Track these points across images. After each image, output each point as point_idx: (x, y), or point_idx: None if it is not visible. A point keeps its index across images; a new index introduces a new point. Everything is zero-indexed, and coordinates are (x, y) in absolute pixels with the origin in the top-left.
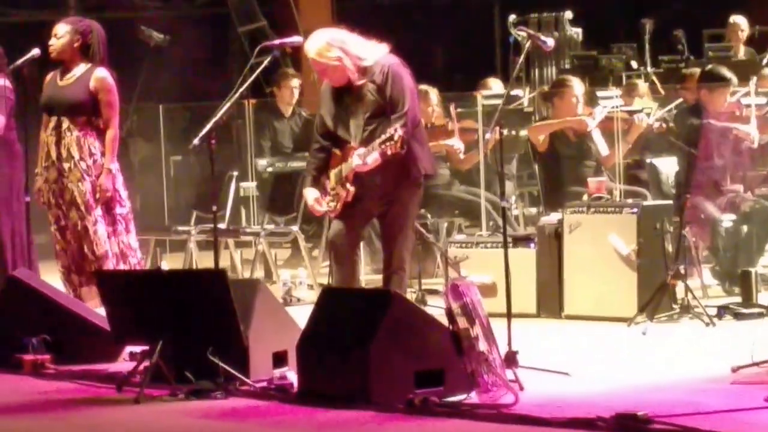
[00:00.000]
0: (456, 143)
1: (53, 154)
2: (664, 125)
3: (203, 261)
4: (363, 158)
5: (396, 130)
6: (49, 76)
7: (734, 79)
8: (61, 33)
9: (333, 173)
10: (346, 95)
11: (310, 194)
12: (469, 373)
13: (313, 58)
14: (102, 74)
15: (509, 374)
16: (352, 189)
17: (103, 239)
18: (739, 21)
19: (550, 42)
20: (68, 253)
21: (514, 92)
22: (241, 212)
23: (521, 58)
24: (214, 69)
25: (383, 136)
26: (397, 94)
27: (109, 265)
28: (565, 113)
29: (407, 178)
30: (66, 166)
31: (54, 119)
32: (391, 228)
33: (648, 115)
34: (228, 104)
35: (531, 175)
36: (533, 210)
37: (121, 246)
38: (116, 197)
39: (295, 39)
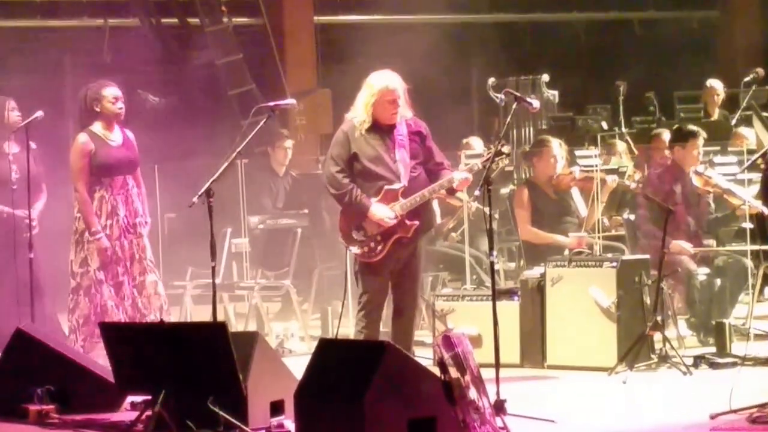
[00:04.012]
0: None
1: (121, 212)
2: (640, 185)
3: (198, 314)
4: (468, 171)
5: (503, 145)
6: (88, 141)
7: (702, 132)
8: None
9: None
10: (386, 138)
11: (382, 210)
12: (461, 420)
13: (396, 87)
14: (131, 133)
15: (498, 421)
16: (416, 222)
17: (160, 288)
18: (715, 85)
19: (536, 103)
20: (121, 309)
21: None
22: (233, 267)
23: (509, 119)
24: (208, 130)
25: (489, 153)
26: (436, 147)
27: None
28: (544, 172)
29: (427, 227)
30: (133, 221)
31: (120, 179)
32: (416, 273)
33: (623, 174)
34: (226, 163)
35: (509, 231)
36: (512, 265)
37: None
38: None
39: (289, 101)
